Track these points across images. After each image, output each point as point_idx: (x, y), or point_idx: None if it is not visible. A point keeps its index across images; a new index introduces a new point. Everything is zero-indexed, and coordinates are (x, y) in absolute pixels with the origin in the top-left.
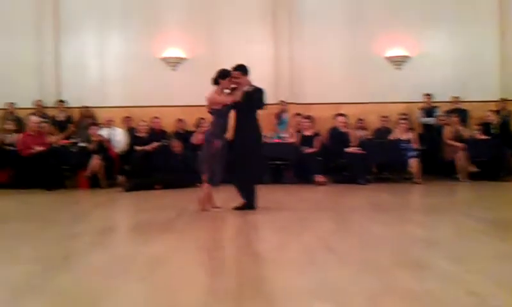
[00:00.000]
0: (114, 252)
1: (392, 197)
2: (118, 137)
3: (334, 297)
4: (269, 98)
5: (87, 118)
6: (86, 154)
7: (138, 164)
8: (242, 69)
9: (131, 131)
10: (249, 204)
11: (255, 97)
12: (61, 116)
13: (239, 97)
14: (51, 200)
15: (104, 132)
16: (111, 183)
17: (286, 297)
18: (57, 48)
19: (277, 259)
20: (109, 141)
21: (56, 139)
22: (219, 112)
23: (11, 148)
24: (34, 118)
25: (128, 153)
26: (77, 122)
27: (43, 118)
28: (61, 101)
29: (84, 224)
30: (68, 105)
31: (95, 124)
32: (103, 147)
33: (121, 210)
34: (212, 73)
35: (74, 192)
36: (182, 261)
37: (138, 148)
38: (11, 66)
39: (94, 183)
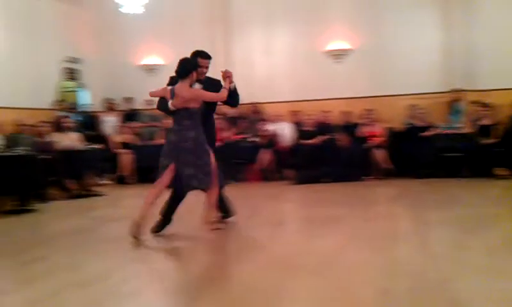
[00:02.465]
0: (287, 246)
1: None
2: (286, 132)
3: None
4: (440, 85)
5: (256, 114)
6: (256, 148)
7: (306, 158)
8: (209, 56)
9: (298, 125)
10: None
11: (236, 94)
12: (233, 113)
13: (226, 93)
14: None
15: (272, 127)
16: (280, 177)
17: (478, 304)
18: (228, 46)
19: (458, 260)
20: (277, 135)
21: (229, 135)
22: (196, 113)
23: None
24: None
25: (296, 146)
26: (248, 118)
27: (217, 114)
28: None
29: (259, 217)
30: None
31: (264, 119)
32: (272, 141)
33: (291, 203)
34: (380, 63)
35: (246, 185)
36: (356, 258)
37: (305, 141)
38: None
39: (264, 176)
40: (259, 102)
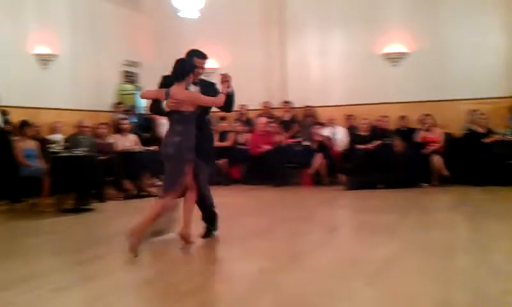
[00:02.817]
0: (341, 253)
1: None
2: (340, 136)
3: None
4: (502, 90)
5: (309, 117)
6: (309, 152)
7: (360, 163)
8: (206, 56)
9: (352, 129)
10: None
11: (232, 99)
12: (286, 116)
13: (224, 99)
14: (277, 197)
15: (326, 131)
16: (333, 181)
17: None
18: (282, 50)
19: None
20: (331, 139)
21: (282, 139)
22: (189, 117)
23: (243, 147)
24: (262, 119)
25: (350, 151)
26: (301, 121)
27: (270, 118)
28: (286, 102)
29: (311, 223)
30: (293, 106)
31: (318, 123)
32: (325, 146)
33: (344, 209)
34: (438, 67)
35: (298, 189)
36: (410, 268)
37: (360, 146)
38: (242, 70)
39: (317, 180)
40: (313, 105)
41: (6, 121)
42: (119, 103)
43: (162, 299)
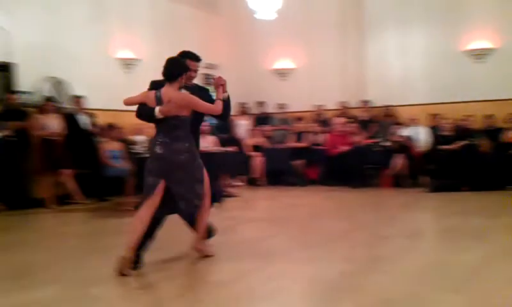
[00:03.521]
0: (425, 258)
1: None
2: (421, 136)
3: None
4: None
5: (389, 117)
6: (389, 153)
7: (443, 164)
8: (199, 58)
9: (435, 129)
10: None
11: (229, 105)
12: (364, 116)
13: (222, 106)
14: (356, 198)
15: (407, 131)
16: (414, 183)
17: None
18: (360, 49)
19: None
20: (411, 139)
21: (360, 139)
22: (187, 122)
23: (320, 147)
24: (340, 119)
25: (432, 152)
26: (380, 121)
27: (348, 118)
28: (365, 101)
29: (392, 226)
30: (372, 105)
31: (398, 123)
32: (405, 146)
33: (427, 212)
34: None
35: (378, 190)
36: (500, 275)
37: (443, 147)
38: (318, 70)
39: (397, 182)
40: (392, 104)
41: (93, 124)
42: None
43: (244, 300)
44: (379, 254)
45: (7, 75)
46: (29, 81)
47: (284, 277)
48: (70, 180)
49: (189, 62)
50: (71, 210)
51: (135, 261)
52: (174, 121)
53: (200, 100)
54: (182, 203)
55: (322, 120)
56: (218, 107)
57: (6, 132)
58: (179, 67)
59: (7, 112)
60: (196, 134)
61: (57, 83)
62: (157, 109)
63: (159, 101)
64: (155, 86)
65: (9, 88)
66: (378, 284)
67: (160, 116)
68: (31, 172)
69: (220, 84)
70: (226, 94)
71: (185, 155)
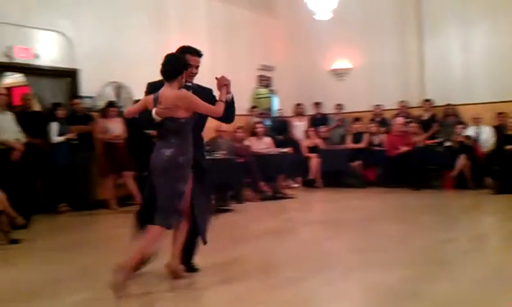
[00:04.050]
0: (489, 264)
1: None
2: (485, 136)
3: None
4: None
5: (451, 116)
6: (451, 154)
7: (508, 165)
8: (200, 53)
9: (499, 128)
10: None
11: (233, 107)
12: (425, 116)
13: (223, 107)
14: (417, 201)
15: (470, 131)
16: (478, 185)
17: None
18: (420, 47)
19: None
20: (475, 139)
21: (421, 139)
22: (186, 125)
23: (379, 148)
24: (400, 119)
25: (497, 152)
26: (441, 121)
27: (408, 118)
28: (427, 100)
29: (454, 230)
30: (432, 104)
31: (460, 122)
32: (469, 146)
33: (491, 215)
34: None
35: (440, 192)
36: None
37: (508, 147)
38: (376, 69)
39: (460, 183)
40: (454, 103)
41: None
42: (254, 106)
43: (302, 304)
44: (441, 259)
45: (71, 81)
46: (92, 86)
47: (342, 282)
48: (131, 182)
49: (189, 58)
50: (131, 211)
51: (190, 266)
52: (170, 123)
53: (200, 100)
54: (157, 217)
55: (380, 120)
56: (219, 109)
57: (70, 136)
58: (178, 64)
59: (72, 116)
60: (197, 140)
61: (119, 88)
62: (153, 110)
63: (156, 103)
64: (152, 88)
65: (73, 93)
66: (440, 291)
67: (158, 119)
68: (94, 174)
69: (224, 84)
70: (230, 96)
71: (164, 163)
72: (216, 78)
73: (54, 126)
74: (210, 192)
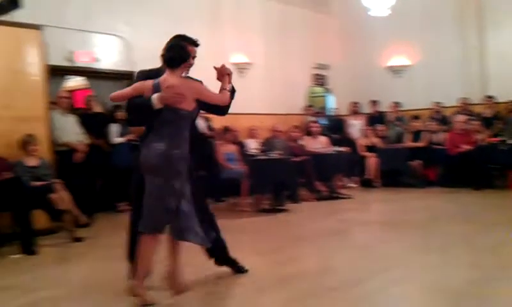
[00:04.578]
0: None
1: None
2: None
3: None
4: None
5: None
6: None
7: None
8: (197, 43)
9: None
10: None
11: (232, 98)
12: (487, 113)
13: (229, 96)
14: (480, 200)
15: None
16: None
17: None
18: (481, 40)
19: None
20: None
21: (483, 137)
22: (186, 118)
23: (439, 146)
24: (461, 117)
25: None
26: (505, 118)
27: (469, 115)
28: (489, 97)
29: None
30: (495, 101)
31: None
32: None
33: None
34: None
35: (503, 192)
36: None
37: None
38: (435, 66)
39: None
40: None
41: (210, 128)
42: (309, 105)
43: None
44: (509, 261)
45: (130, 83)
46: None
47: (404, 284)
48: None
49: (192, 48)
50: None
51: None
52: (169, 114)
53: (209, 90)
54: (141, 222)
55: (440, 118)
56: (225, 97)
57: (130, 137)
58: (183, 51)
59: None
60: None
61: None
62: (154, 96)
63: (157, 89)
64: (144, 77)
65: None
66: (508, 294)
67: (159, 106)
68: None
69: (226, 73)
70: (230, 85)
71: (156, 159)
72: (215, 67)
73: (114, 128)
74: (201, 192)
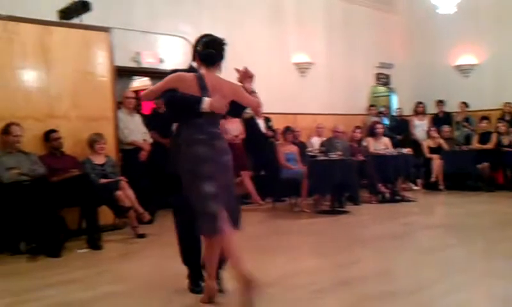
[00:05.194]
0: None
1: None
2: None
3: None
4: None
5: None
6: None
7: None
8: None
9: None
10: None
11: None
12: None
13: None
14: None
15: None
16: None
17: None
18: None
19: None
20: None
21: None
22: (219, 120)
23: (508, 149)
24: None
25: None
26: None
27: None
28: None
29: None
30: None
31: None
32: None
33: None
34: None
35: None
36: None
37: None
38: (506, 64)
39: None
40: None
41: (269, 128)
42: (372, 105)
43: None
44: None
45: None
46: None
47: (466, 292)
48: (248, 182)
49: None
50: (248, 210)
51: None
52: (213, 118)
53: (244, 91)
54: (234, 217)
55: (510, 119)
56: (257, 100)
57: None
58: (222, 48)
59: None
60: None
61: None
62: (207, 100)
63: (204, 90)
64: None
65: None
66: None
67: (208, 110)
68: None
69: (248, 76)
70: (253, 89)
71: (227, 156)
72: (237, 69)
73: None
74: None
